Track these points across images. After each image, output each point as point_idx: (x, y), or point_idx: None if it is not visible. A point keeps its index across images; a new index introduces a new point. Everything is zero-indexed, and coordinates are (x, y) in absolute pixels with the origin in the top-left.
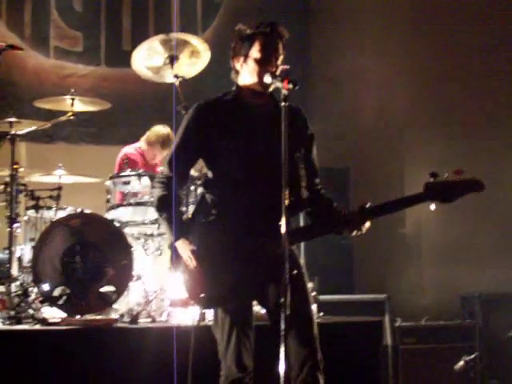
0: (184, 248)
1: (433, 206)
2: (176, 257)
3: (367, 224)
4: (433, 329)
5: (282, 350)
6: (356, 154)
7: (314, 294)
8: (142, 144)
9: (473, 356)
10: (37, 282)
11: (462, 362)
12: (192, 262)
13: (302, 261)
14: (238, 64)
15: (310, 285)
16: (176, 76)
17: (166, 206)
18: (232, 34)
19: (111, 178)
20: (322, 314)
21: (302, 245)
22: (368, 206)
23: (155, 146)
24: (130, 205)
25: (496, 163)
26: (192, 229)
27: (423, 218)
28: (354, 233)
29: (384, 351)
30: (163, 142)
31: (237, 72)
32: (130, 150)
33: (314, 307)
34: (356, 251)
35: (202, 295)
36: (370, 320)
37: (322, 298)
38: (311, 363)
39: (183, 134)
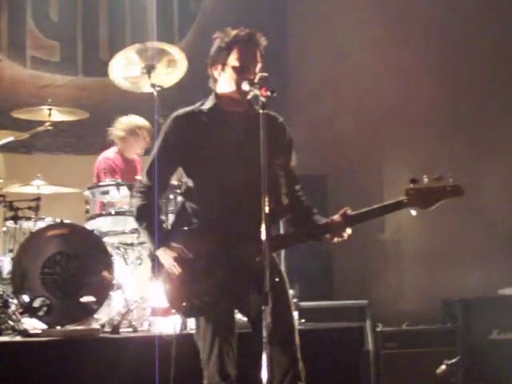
0: (165, 256)
1: (414, 212)
2: (157, 265)
3: (348, 230)
4: (414, 333)
5: (265, 358)
6: (334, 161)
7: (295, 300)
8: (116, 144)
9: (454, 360)
10: (17, 293)
11: (443, 366)
12: (175, 269)
13: (282, 268)
14: (216, 72)
15: (291, 292)
16: (154, 85)
17: (146, 215)
18: (209, 42)
19: (90, 188)
20: (303, 320)
21: (282, 252)
22: (348, 212)
23: (129, 136)
24: (110, 214)
25: (477, 167)
26: (173, 237)
27: (402, 223)
28: (335, 239)
29: (366, 357)
30: (134, 128)
31: (215, 80)
32: (108, 154)
33: (295, 314)
34: (336, 257)
35: (184, 304)
36: (352, 326)
37: (303, 304)
38: (292, 373)
39: (162, 144)
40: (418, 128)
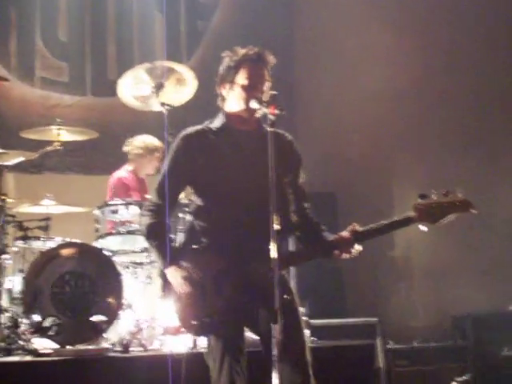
0: (175, 275)
1: (424, 228)
2: (167, 284)
3: (357, 247)
4: (425, 350)
5: (275, 376)
6: (344, 178)
7: (305, 318)
8: (129, 163)
9: (465, 377)
10: (27, 312)
11: (454, 383)
12: (184, 288)
13: (292, 285)
14: (225, 90)
15: (301, 309)
16: (163, 104)
17: (155, 233)
18: (218, 61)
19: (99, 207)
20: (314, 338)
21: (293, 269)
22: (356, 228)
23: (146, 156)
24: (119, 233)
25: (485, 183)
26: (182, 256)
27: (412, 239)
28: (344, 256)
29: (377, 374)
30: (150, 148)
31: (223, 99)
32: (122, 173)
33: (306, 332)
34: (346, 274)
35: (194, 322)
36: (362, 343)
37: (314, 322)
38: None
39: (171, 162)
40: (429, 145)
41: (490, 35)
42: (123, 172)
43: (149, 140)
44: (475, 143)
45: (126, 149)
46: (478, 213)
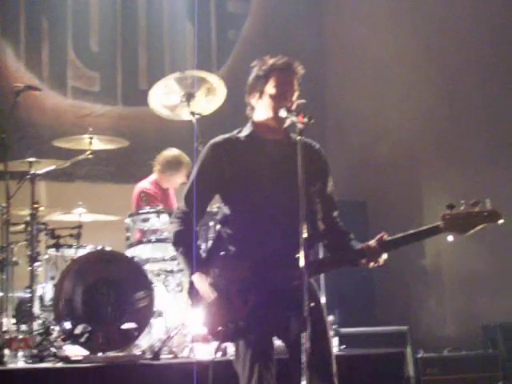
0: (201, 281)
1: (450, 238)
2: (194, 291)
3: (384, 256)
4: (455, 359)
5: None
6: (374, 187)
7: (334, 326)
8: (154, 174)
9: None
10: (58, 320)
11: None
12: (210, 295)
13: (322, 294)
14: (254, 100)
15: (330, 318)
16: (193, 113)
17: (183, 240)
18: (247, 70)
19: (130, 215)
20: (343, 346)
21: (322, 278)
22: (385, 237)
23: (167, 170)
24: (150, 242)
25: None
26: (209, 263)
27: (443, 248)
28: (371, 265)
29: (407, 383)
30: (174, 163)
31: (252, 108)
32: (145, 184)
33: (334, 340)
34: (376, 283)
35: (220, 328)
36: (392, 352)
37: (344, 330)
38: None
39: (199, 171)
40: (460, 153)
41: None
42: (146, 183)
43: (172, 155)
44: (509, 151)
45: (154, 160)
46: (505, 222)
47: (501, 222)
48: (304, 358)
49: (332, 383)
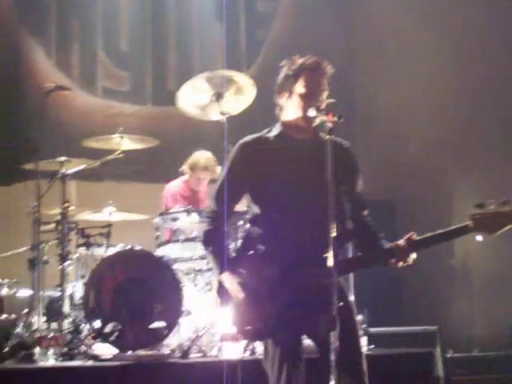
0: (230, 280)
1: (479, 237)
2: (223, 290)
3: (413, 255)
4: (484, 360)
5: (333, 383)
6: (403, 186)
7: (363, 326)
8: (185, 175)
9: None
10: (88, 318)
11: None
12: (239, 294)
13: (351, 294)
14: (283, 99)
15: (359, 317)
16: (222, 113)
17: (212, 239)
18: (276, 70)
19: (160, 214)
20: (372, 346)
21: (352, 277)
22: (414, 237)
23: (197, 170)
24: (179, 241)
25: None
26: (238, 262)
27: (472, 248)
28: (400, 264)
29: (436, 383)
30: (204, 164)
31: (281, 108)
32: (174, 183)
33: (363, 340)
34: (405, 283)
35: (249, 328)
36: (421, 351)
37: (373, 330)
38: None
39: (229, 170)
40: (491, 151)
41: None
42: (176, 182)
43: (199, 158)
44: None
45: (188, 161)
46: None
47: None
48: (333, 357)
49: (363, 380)
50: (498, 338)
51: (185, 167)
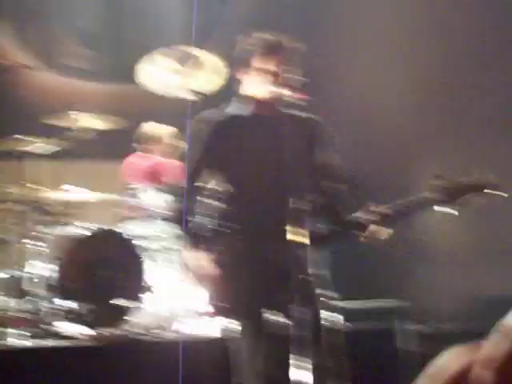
0: (197, 257)
1: (439, 208)
2: (189, 267)
3: (383, 231)
4: (448, 332)
5: (300, 356)
6: (365, 162)
7: (328, 301)
8: (140, 150)
9: None
10: (53, 297)
11: None
12: (207, 270)
13: (319, 268)
14: (242, 75)
15: (328, 293)
16: (185, 90)
17: (179, 217)
18: (235, 45)
19: (119, 191)
20: (342, 322)
21: (317, 252)
22: (378, 210)
23: (151, 143)
24: (139, 218)
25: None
26: (206, 239)
27: (432, 221)
28: (368, 238)
29: (402, 356)
30: (155, 137)
31: (240, 83)
32: (132, 159)
33: (335, 315)
34: (368, 258)
35: (216, 304)
36: (385, 326)
37: (341, 305)
38: (334, 372)
39: (195, 147)
40: (446, 136)
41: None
42: (135, 158)
43: (154, 128)
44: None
45: (135, 136)
46: (495, 196)
47: (487, 191)
48: (294, 331)
49: (335, 354)
50: (462, 312)
51: (137, 138)
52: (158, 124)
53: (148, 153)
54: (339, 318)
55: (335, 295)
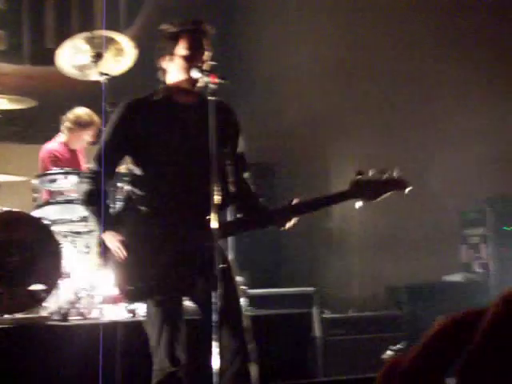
0: (112, 239)
1: (359, 204)
2: (104, 250)
3: (294, 219)
4: (360, 320)
5: (216, 343)
6: (283, 150)
7: (243, 287)
8: (62, 135)
9: (400, 345)
10: None
11: (389, 352)
12: (121, 253)
13: (230, 255)
14: (165, 63)
15: (239, 279)
16: (101, 73)
17: (94, 199)
18: (157, 32)
19: (38, 176)
20: (252, 307)
21: (230, 239)
22: (294, 202)
23: (76, 129)
24: (58, 203)
25: (423, 153)
26: (121, 222)
27: (349, 212)
28: (281, 228)
29: (313, 342)
30: (83, 121)
31: (164, 71)
32: (51, 145)
33: (244, 301)
34: (284, 245)
35: (130, 288)
36: (299, 312)
37: (252, 292)
38: (242, 355)
39: (111, 131)
40: (366, 122)
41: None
42: (54, 144)
43: (81, 114)
44: (412, 112)
45: (61, 120)
46: (410, 191)
47: (408, 190)
48: (214, 318)
49: (243, 337)
50: (375, 300)
51: (67, 123)
52: (88, 110)
53: (79, 138)
54: (244, 303)
55: (243, 280)
